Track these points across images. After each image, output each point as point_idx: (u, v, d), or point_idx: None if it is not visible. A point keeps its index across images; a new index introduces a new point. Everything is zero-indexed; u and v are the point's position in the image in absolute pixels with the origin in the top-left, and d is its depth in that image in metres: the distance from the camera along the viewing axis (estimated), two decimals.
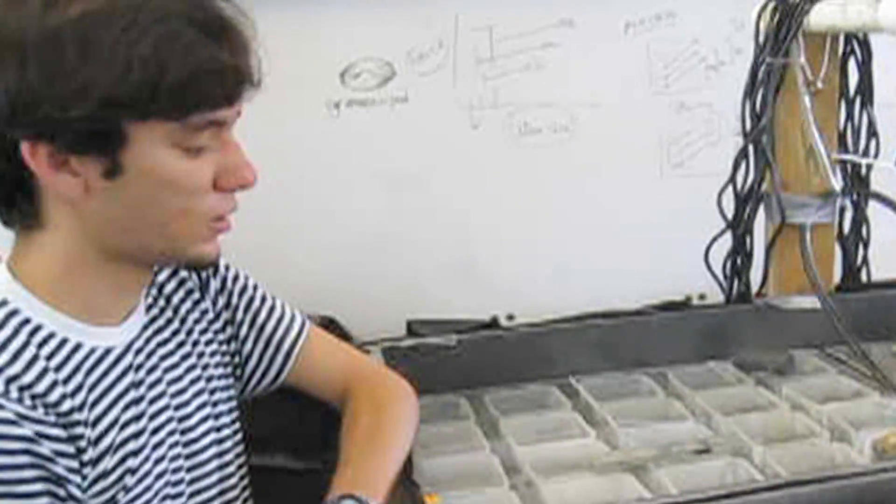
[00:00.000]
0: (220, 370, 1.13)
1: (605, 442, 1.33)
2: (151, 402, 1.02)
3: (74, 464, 0.92)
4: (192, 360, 1.09)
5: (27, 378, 0.90)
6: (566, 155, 1.92)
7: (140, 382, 1.01)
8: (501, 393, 1.52)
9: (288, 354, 1.21)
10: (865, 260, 1.72)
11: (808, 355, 1.60)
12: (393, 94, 1.85)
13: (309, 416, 1.31)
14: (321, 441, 1.22)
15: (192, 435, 1.07)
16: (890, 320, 1.64)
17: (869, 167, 1.65)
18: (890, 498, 1.12)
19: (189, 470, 1.06)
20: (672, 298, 1.81)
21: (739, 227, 1.67)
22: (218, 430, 1.10)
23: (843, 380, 1.50)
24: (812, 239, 1.55)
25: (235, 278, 1.18)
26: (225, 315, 1.16)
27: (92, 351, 0.97)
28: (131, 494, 0.98)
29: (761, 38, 1.59)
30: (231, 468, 1.12)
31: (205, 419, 1.09)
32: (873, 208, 1.67)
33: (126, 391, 0.99)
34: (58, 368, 0.93)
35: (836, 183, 1.57)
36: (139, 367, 1.02)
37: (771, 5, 1.58)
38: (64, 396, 0.92)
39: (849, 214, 1.69)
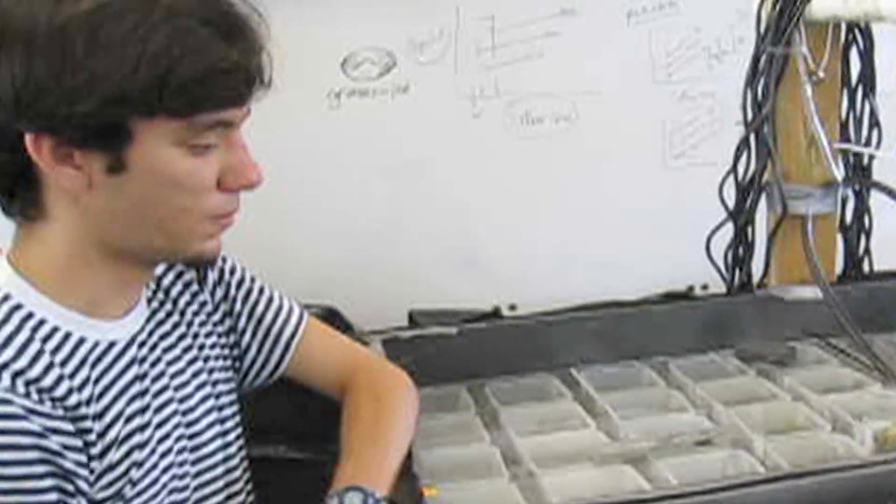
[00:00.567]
0: (221, 363, 1.13)
1: (605, 433, 1.33)
2: (155, 395, 1.02)
3: (82, 458, 0.92)
4: (194, 352, 1.09)
5: (33, 373, 0.90)
6: (568, 144, 1.91)
7: (144, 375, 1.01)
8: (502, 383, 1.52)
9: (287, 346, 1.20)
10: (867, 250, 1.71)
11: (810, 346, 1.60)
12: (394, 83, 1.83)
13: (309, 406, 1.31)
14: (322, 431, 1.22)
15: (196, 428, 1.07)
16: (892, 311, 1.63)
17: (871, 157, 1.64)
18: (891, 489, 1.12)
19: (194, 463, 1.07)
20: (674, 289, 1.80)
21: (741, 217, 1.67)
22: (222, 422, 1.11)
23: (844, 371, 1.50)
24: (814, 229, 1.54)
25: (233, 270, 1.18)
26: (223, 307, 1.16)
27: (96, 344, 0.97)
28: (138, 487, 0.98)
29: (762, 28, 1.58)
30: (235, 460, 1.12)
31: (208, 412, 1.09)
32: (875, 198, 1.66)
33: (131, 384, 0.99)
34: (63, 363, 0.93)
35: (838, 173, 1.56)
36: (143, 360, 1.02)
37: None
38: (71, 390, 0.92)
39: (851, 204, 1.68)
